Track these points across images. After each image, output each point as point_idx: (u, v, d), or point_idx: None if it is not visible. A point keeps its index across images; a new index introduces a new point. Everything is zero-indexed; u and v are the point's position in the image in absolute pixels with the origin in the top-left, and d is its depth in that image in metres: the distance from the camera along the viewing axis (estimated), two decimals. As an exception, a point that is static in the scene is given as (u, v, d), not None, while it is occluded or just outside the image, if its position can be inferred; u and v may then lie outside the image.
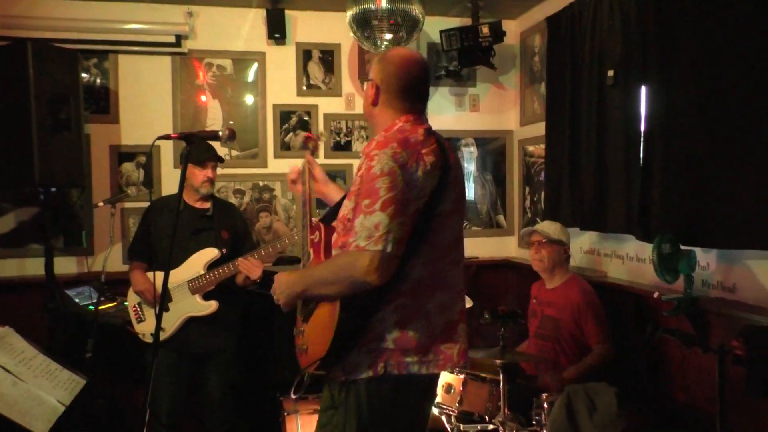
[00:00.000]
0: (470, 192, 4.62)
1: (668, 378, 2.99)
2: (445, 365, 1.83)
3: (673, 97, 2.80)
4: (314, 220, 2.06)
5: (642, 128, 3.03)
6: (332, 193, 2.20)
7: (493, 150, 4.63)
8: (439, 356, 1.81)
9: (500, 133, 4.62)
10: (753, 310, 2.48)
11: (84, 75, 3.99)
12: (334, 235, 1.90)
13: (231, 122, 4.23)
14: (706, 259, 2.83)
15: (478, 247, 4.55)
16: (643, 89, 3.03)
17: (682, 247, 2.76)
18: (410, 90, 1.91)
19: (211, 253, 3.12)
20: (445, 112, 4.54)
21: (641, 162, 3.02)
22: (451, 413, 2.98)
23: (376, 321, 1.75)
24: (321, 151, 4.31)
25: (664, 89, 2.86)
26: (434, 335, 1.79)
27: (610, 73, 3.22)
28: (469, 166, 4.60)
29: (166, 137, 2.19)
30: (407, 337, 1.76)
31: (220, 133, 2.15)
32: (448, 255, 1.84)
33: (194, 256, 3.12)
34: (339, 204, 1.98)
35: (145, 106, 4.10)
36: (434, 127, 1.95)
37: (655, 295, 2.82)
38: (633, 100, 3.09)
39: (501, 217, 4.66)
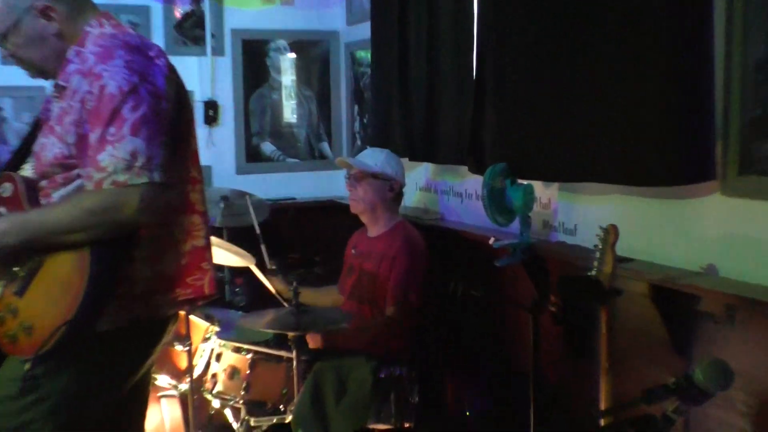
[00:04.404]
0: (286, 112, 4.54)
1: (485, 341, 3.18)
2: (195, 300, 2.04)
3: (506, 4, 2.82)
4: None
5: (475, 39, 3.07)
6: None
7: (315, 57, 4.57)
8: (187, 290, 1.99)
9: (322, 34, 4.56)
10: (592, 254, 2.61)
11: None
12: (43, 183, 1.93)
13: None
14: (547, 195, 2.94)
15: (295, 184, 4.53)
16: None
17: (520, 182, 2.85)
18: None
19: None
20: (246, 4, 4.38)
21: (474, 78, 3.06)
22: (236, 405, 2.97)
23: (126, 263, 1.87)
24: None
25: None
26: (181, 267, 1.98)
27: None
28: (284, 79, 4.51)
29: None
30: (157, 276, 1.93)
31: None
32: (192, 169, 2.02)
33: None
34: (24, 149, 2.03)
35: None
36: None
37: (491, 241, 2.90)
38: (465, 2, 3.11)
39: (325, 145, 4.65)
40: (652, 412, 1.55)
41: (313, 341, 2.78)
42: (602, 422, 1.98)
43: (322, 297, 3.36)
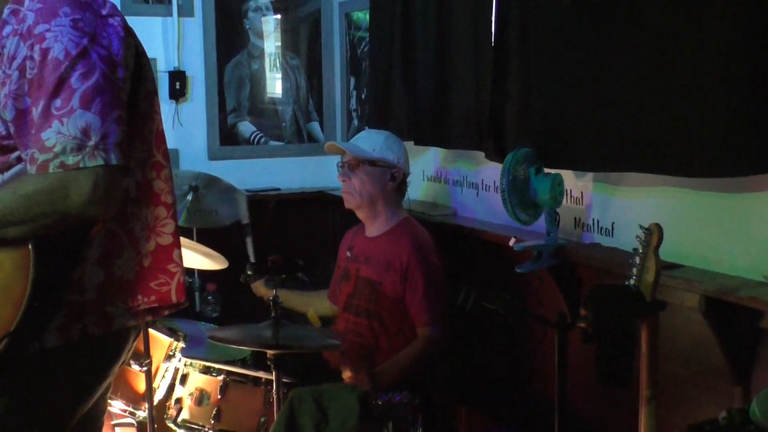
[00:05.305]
0: (268, 85, 4.55)
1: (502, 361, 3.22)
2: (159, 310, 2.03)
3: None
4: None
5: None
6: None
7: (303, 19, 4.58)
8: (150, 297, 1.98)
9: (312, -9, 4.61)
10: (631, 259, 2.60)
11: None
12: None
13: None
14: (579, 187, 2.93)
15: (279, 172, 4.54)
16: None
17: (546, 171, 2.84)
18: None
19: None
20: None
21: (493, 50, 3.05)
22: (205, 437, 2.99)
23: (76, 264, 1.87)
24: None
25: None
26: (143, 269, 1.97)
27: None
28: (266, 45, 4.53)
29: None
30: (113, 279, 1.92)
31: None
32: (156, 152, 2.02)
33: None
34: None
35: None
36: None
37: (511, 242, 2.89)
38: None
39: (315, 126, 4.66)
40: (701, 451, 1.53)
41: (353, 377, 2.82)
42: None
43: (313, 302, 3.42)
